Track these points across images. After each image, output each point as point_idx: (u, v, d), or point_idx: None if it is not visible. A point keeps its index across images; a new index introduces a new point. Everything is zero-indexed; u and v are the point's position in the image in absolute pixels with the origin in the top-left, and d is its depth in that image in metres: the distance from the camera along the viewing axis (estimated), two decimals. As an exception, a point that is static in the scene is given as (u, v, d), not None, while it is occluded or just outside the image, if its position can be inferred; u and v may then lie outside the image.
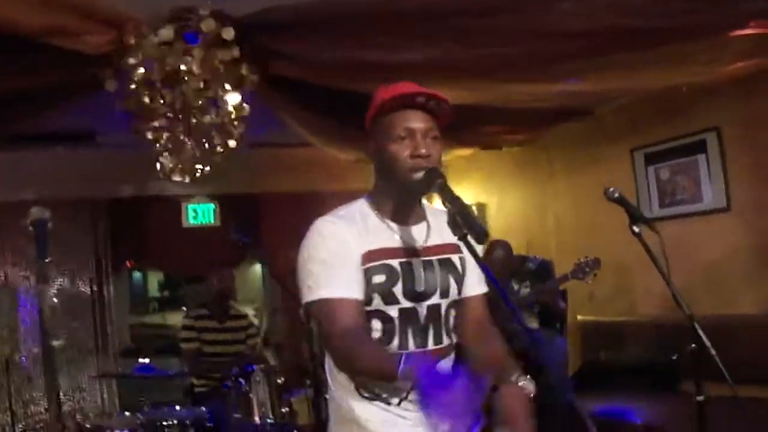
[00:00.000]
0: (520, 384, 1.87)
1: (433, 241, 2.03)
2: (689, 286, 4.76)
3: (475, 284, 2.11)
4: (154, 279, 10.18)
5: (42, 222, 2.35)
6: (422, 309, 1.97)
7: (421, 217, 2.06)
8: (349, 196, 6.02)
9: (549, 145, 6.22)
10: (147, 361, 4.35)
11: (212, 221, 6.00)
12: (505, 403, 1.81)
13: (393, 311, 1.95)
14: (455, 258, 2.06)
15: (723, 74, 4.21)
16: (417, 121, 1.92)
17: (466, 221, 1.72)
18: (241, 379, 4.13)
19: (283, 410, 4.28)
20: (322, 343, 1.97)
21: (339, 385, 2.02)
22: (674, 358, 4.47)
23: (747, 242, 4.72)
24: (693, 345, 2.83)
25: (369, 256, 1.92)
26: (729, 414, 2.88)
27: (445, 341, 2.03)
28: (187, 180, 3.97)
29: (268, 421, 4.19)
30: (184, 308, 8.16)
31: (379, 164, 1.99)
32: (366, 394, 1.96)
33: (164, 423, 4.15)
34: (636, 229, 2.75)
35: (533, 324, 5.00)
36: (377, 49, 3.46)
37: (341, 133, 4.78)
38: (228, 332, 5.04)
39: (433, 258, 2.01)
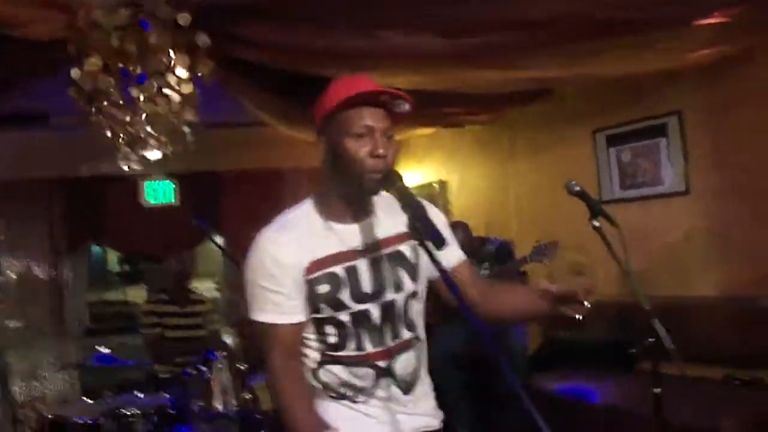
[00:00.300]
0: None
1: (382, 234, 2.01)
2: (649, 268, 4.87)
3: (452, 253, 2.10)
4: (113, 254, 10.06)
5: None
6: (375, 308, 1.97)
7: (370, 211, 2.02)
8: (309, 173, 6.04)
9: (511, 125, 6.22)
10: (108, 351, 4.28)
11: (172, 200, 5.91)
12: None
13: (344, 316, 1.95)
14: (405, 248, 2.03)
15: (686, 62, 4.23)
16: (377, 120, 1.88)
17: (425, 227, 1.72)
18: (202, 367, 4.11)
19: (246, 396, 4.27)
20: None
21: None
22: (633, 351, 4.52)
23: (705, 225, 4.78)
24: (651, 339, 2.84)
25: (313, 267, 1.91)
26: (683, 393, 2.95)
27: (405, 335, 2.02)
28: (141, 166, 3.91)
29: (231, 407, 4.19)
30: (145, 286, 8.09)
31: (331, 160, 1.93)
32: (332, 394, 1.98)
33: (126, 411, 4.14)
34: (596, 223, 2.75)
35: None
36: (337, 35, 3.41)
37: (300, 115, 4.71)
38: (189, 317, 5.00)
39: (383, 253, 1.99)
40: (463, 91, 4.84)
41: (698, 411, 3.37)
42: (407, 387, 2.03)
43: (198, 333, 5.05)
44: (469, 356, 4.55)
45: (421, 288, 2.07)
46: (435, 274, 2.02)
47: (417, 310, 2.07)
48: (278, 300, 1.91)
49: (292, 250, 1.91)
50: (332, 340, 1.96)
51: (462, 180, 6.93)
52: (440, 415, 2.13)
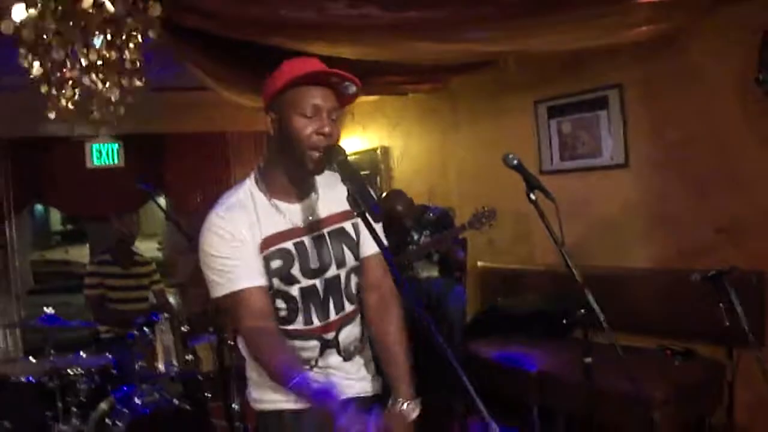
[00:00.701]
0: (404, 408, 2.05)
1: (324, 212, 2.09)
2: (586, 238, 5.03)
3: (372, 244, 2.14)
4: (57, 213, 9.91)
5: None
6: (321, 283, 2.06)
7: (311, 188, 2.09)
8: (252, 137, 6.03)
9: (454, 94, 6.27)
10: (51, 310, 4.28)
11: (116, 161, 5.86)
12: (387, 426, 1.96)
13: (294, 291, 2.03)
14: (347, 225, 2.12)
15: (625, 38, 4.32)
16: (325, 100, 1.94)
17: (365, 200, 1.77)
18: (145, 328, 4.15)
19: (188, 357, 4.33)
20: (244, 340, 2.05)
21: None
22: (566, 321, 4.64)
23: (642, 198, 4.91)
24: (582, 311, 2.96)
25: (265, 243, 1.98)
26: (615, 362, 3.08)
27: (348, 308, 2.13)
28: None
29: (173, 368, 4.24)
30: (88, 246, 8.01)
31: (277, 137, 1.99)
32: None
33: (69, 371, 4.16)
34: (532, 196, 2.81)
35: (433, 273, 5.10)
36: (284, 6, 3.41)
37: (244, 81, 4.71)
38: (132, 278, 5.01)
39: (324, 231, 2.07)
40: (407, 61, 4.87)
41: (629, 380, 3.51)
42: (349, 355, 2.14)
43: (141, 294, 5.07)
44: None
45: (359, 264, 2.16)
46: (366, 253, 2.15)
47: (356, 283, 2.16)
48: (241, 266, 1.94)
49: (245, 229, 1.96)
50: (282, 314, 2.04)
51: (405, 147, 6.99)
52: (379, 380, 2.23)
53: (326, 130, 1.92)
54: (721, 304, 3.41)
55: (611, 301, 3.09)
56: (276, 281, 1.99)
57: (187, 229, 4.42)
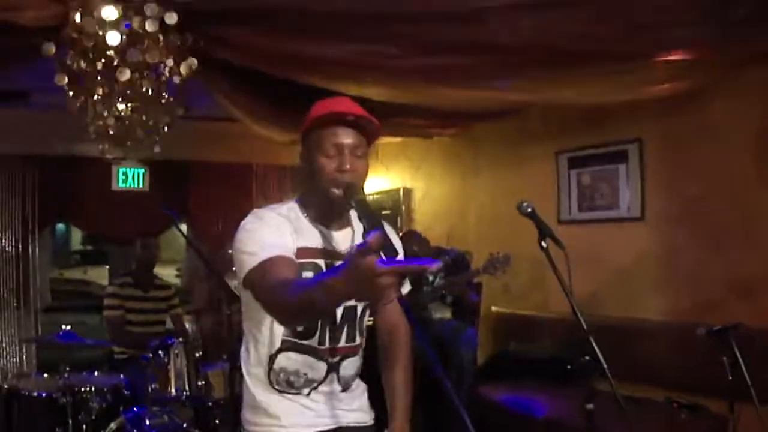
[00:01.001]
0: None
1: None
2: (600, 288, 5.05)
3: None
4: (77, 233, 10.01)
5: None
6: (340, 310, 2.11)
7: (347, 222, 2.18)
8: (281, 171, 6.13)
9: (476, 140, 6.34)
10: (68, 327, 4.36)
11: (141, 186, 5.97)
12: None
13: None
14: None
15: (645, 94, 4.40)
16: (346, 138, 2.03)
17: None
18: (160, 351, 4.21)
19: (200, 383, 4.37)
20: (261, 304, 1.97)
21: (253, 377, 2.16)
22: (570, 367, 4.66)
23: (657, 251, 4.94)
24: (586, 357, 3.00)
25: (300, 252, 2.04)
26: (619, 411, 3.10)
27: (357, 340, 2.19)
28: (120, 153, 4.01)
29: (184, 392, 4.29)
30: (107, 267, 8.11)
31: (306, 173, 2.09)
32: (277, 387, 2.12)
33: (83, 389, 4.23)
34: (544, 244, 2.87)
35: (446, 314, 5.14)
36: (314, 45, 3.53)
37: (275, 117, 4.84)
38: (151, 301, 5.09)
39: None
40: (431, 105, 4.97)
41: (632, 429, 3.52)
42: (346, 386, 2.20)
43: (159, 318, 5.14)
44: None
45: None
46: None
47: (366, 320, 2.23)
48: (278, 244, 1.96)
49: (287, 230, 2.03)
50: (300, 327, 2.08)
51: (426, 189, 7.07)
52: (372, 412, 2.30)
53: (346, 167, 2.00)
54: (725, 358, 3.43)
55: (621, 351, 3.13)
56: None
57: (207, 256, 4.50)
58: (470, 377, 4.79)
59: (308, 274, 2.03)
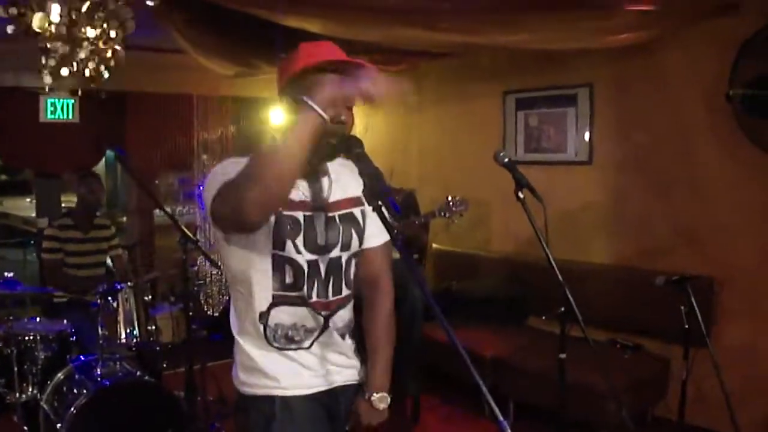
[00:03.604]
0: (374, 398, 2.17)
1: (335, 196, 2.10)
2: (546, 231, 5.13)
3: (375, 235, 2.18)
4: (-9, 164, 9.46)
5: None
6: (324, 262, 2.06)
7: (324, 172, 2.09)
8: (221, 102, 5.91)
9: (422, 76, 6.23)
10: (11, 275, 4.13)
11: (71, 117, 5.63)
12: (357, 418, 2.15)
13: (302, 261, 2.02)
14: (357, 212, 2.14)
15: (605, 43, 4.41)
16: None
17: (383, 195, 1.76)
18: (109, 297, 4.05)
19: (150, 328, 4.26)
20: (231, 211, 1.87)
21: (246, 337, 2.09)
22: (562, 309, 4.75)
23: (604, 196, 5.07)
24: (562, 308, 3.06)
25: None
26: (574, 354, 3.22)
27: (344, 292, 2.14)
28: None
29: (134, 338, 4.17)
30: (29, 198, 7.74)
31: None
32: (276, 345, 2.06)
33: (26, 337, 4.04)
34: (521, 195, 2.85)
35: (396, 254, 5.11)
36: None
37: (224, 49, 4.61)
38: (90, 242, 4.87)
39: (335, 213, 2.09)
40: (380, 43, 4.83)
41: (587, 372, 3.66)
42: (343, 336, 2.16)
43: (98, 259, 4.94)
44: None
45: (360, 251, 2.18)
46: (368, 245, 2.18)
47: (353, 270, 2.18)
48: None
49: None
50: (289, 280, 2.02)
51: (367, 125, 6.95)
52: (363, 371, 2.26)
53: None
54: (682, 307, 3.56)
55: (562, 297, 3.22)
56: (288, 244, 1.99)
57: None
58: (421, 317, 4.81)
59: (287, 228, 1.97)
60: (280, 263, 2.00)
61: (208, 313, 6.31)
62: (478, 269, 5.77)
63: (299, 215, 2.00)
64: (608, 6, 3.73)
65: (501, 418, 1.43)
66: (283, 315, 2.04)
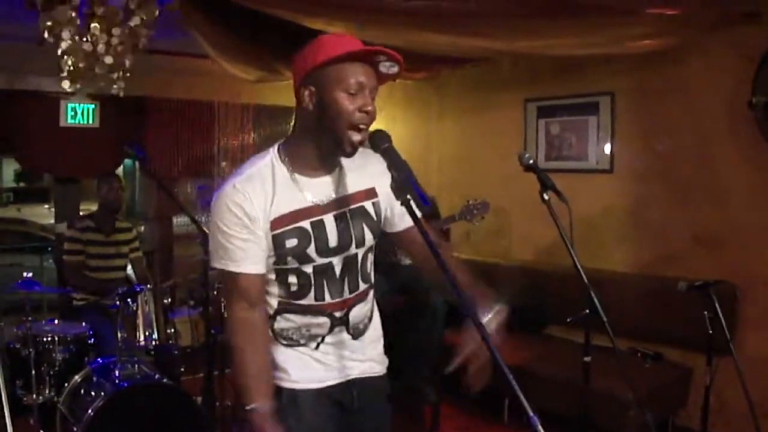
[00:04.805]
0: (488, 318, 2.00)
1: (346, 191, 2.07)
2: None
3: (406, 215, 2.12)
4: (10, 168, 9.50)
5: None
6: (338, 261, 2.05)
7: (335, 165, 2.07)
8: (243, 109, 5.94)
9: (443, 84, 6.25)
10: (30, 275, 4.13)
11: (92, 122, 5.64)
12: (466, 345, 1.91)
13: (308, 268, 2.01)
14: (368, 205, 2.11)
15: (628, 49, 4.39)
16: (369, 78, 1.92)
17: (412, 191, 1.76)
18: (129, 299, 4.05)
19: (169, 331, 4.26)
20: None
21: None
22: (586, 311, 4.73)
23: (624, 204, 5.03)
24: (587, 310, 3.03)
25: (279, 221, 1.96)
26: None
27: (362, 287, 2.12)
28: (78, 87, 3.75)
29: (152, 341, 4.16)
30: (47, 206, 7.77)
31: (315, 112, 1.94)
32: (284, 342, 2.07)
33: (45, 338, 4.04)
34: (546, 196, 2.84)
35: (407, 260, 5.09)
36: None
37: (247, 53, 4.62)
38: (112, 246, 4.87)
39: (346, 209, 2.06)
40: (403, 48, 4.82)
41: (609, 379, 3.62)
42: (357, 334, 2.14)
43: (120, 262, 4.94)
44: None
45: (376, 243, 2.16)
46: (405, 226, 2.15)
47: (371, 262, 2.16)
48: (246, 248, 1.94)
49: (260, 204, 1.94)
50: (293, 289, 2.02)
51: (388, 131, 6.89)
52: (386, 361, 2.25)
53: (369, 108, 1.91)
54: (706, 313, 3.51)
55: (585, 301, 3.20)
56: (290, 259, 1.98)
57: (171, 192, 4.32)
58: (443, 323, 4.78)
59: (292, 242, 1.96)
60: (283, 274, 2.02)
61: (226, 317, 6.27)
62: (497, 278, 5.73)
63: (305, 224, 1.98)
64: (630, 11, 3.72)
65: (531, 413, 1.41)
66: (287, 322, 2.06)
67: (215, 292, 4.25)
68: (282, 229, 1.95)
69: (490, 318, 2.00)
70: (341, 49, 1.89)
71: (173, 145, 5.74)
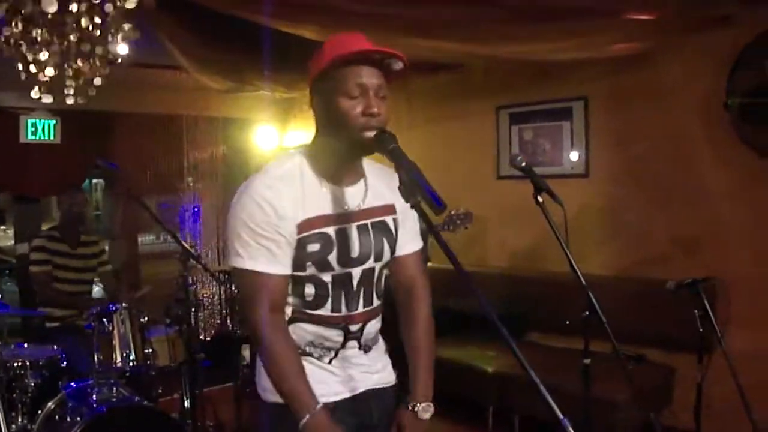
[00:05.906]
0: (418, 409, 2.06)
1: (369, 203, 2.01)
2: (543, 243, 5.10)
3: (408, 243, 2.12)
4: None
5: None
6: (357, 273, 1.98)
7: (360, 175, 2.01)
8: (211, 122, 5.80)
9: (412, 92, 6.19)
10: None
11: (53, 138, 5.46)
12: (401, 430, 2.06)
13: (326, 277, 1.94)
14: (389, 220, 2.06)
15: (603, 53, 4.41)
16: (370, 78, 1.85)
17: (421, 191, 1.71)
18: (104, 319, 3.88)
19: (146, 351, 4.08)
20: (239, 308, 1.99)
21: None
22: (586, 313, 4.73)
23: (600, 208, 5.05)
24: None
25: (305, 224, 1.88)
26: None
27: (375, 303, 2.07)
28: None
29: (130, 362, 3.98)
30: (4, 227, 7.51)
31: (325, 119, 1.90)
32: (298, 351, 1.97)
33: (15, 363, 3.84)
34: (540, 198, 2.82)
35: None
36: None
37: (220, 62, 4.52)
38: (79, 259, 4.69)
39: (368, 221, 2.00)
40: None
41: (600, 382, 3.61)
42: (367, 349, 2.08)
43: (89, 276, 4.76)
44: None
45: (392, 259, 2.11)
46: (402, 252, 2.11)
47: (384, 279, 2.11)
48: (273, 248, 1.85)
49: (289, 204, 1.86)
50: (309, 299, 1.95)
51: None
52: (394, 372, 2.19)
53: (374, 109, 1.83)
54: (696, 311, 3.52)
55: (566, 306, 3.17)
56: (309, 265, 1.91)
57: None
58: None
59: (314, 246, 1.89)
60: (300, 283, 1.94)
61: (200, 337, 6.14)
62: (475, 285, 5.70)
63: (330, 230, 1.92)
64: (607, 15, 3.73)
65: (561, 416, 1.36)
66: (301, 331, 1.97)
67: (193, 309, 4.12)
68: (307, 233, 1.88)
69: (424, 407, 2.08)
70: (338, 52, 1.83)
71: (142, 161, 5.60)
